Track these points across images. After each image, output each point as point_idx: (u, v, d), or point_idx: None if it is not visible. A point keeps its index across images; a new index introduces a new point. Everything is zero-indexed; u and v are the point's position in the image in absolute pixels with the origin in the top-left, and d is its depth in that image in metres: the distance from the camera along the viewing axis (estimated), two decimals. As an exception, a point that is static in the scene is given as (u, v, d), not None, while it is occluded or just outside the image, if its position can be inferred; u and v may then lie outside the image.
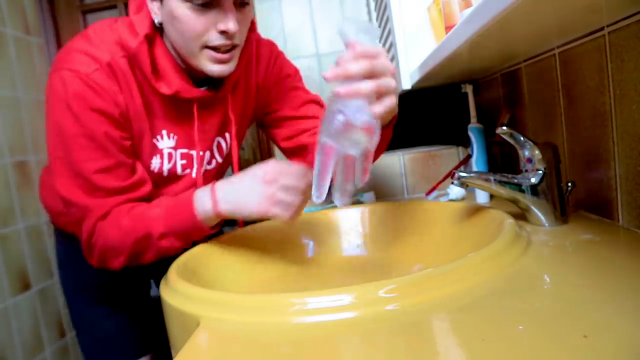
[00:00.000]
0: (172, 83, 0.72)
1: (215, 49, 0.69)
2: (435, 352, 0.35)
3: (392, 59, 0.99)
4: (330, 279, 0.77)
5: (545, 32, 0.58)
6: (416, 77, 0.85)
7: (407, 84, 0.91)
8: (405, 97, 1.15)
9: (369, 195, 1.06)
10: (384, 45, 1.11)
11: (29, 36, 1.58)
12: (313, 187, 0.57)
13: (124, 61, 0.70)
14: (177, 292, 0.54)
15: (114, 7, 1.69)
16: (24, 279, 1.43)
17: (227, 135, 0.85)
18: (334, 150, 0.56)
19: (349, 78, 0.53)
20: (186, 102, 0.76)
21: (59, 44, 1.67)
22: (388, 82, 0.54)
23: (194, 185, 0.81)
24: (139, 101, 0.72)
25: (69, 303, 0.94)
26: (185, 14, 0.66)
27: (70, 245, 0.88)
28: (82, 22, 1.68)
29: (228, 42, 0.69)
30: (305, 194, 0.68)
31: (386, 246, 0.82)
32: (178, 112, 0.76)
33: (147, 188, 0.75)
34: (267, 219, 0.75)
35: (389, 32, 0.97)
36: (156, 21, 0.71)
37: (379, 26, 1.16)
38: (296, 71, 0.90)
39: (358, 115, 0.53)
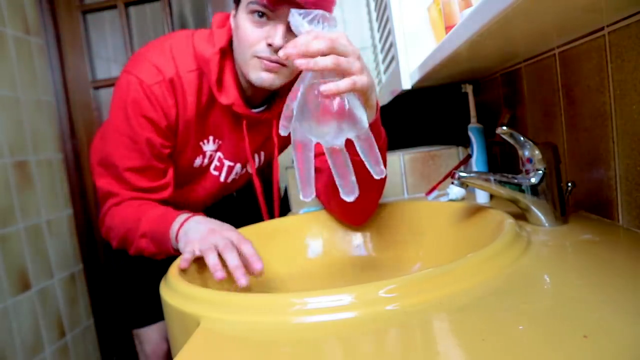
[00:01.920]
0: (230, 95, 0.81)
1: (262, 58, 0.75)
2: (435, 352, 0.35)
3: (392, 59, 0.99)
4: (330, 279, 0.77)
5: (545, 32, 0.58)
6: (416, 77, 0.85)
7: (407, 84, 0.91)
8: (405, 97, 1.15)
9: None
10: (383, 45, 1.11)
11: (29, 36, 1.58)
12: (298, 185, 0.56)
13: (191, 75, 0.80)
14: (177, 292, 0.54)
15: (114, 7, 1.69)
16: (24, 279, 1.43)
17: (262, 153, 0.96)
18: (304, 143, 0.55)
19: (308, 55, 0.51)
20: (237, 117, 0.85)
21: (59, 44, 1.67)
22: (350, 61, 0.53)
23: (222, 186, 0.95)
24: (192, 113, 0.82)
25: (117, 262, 1.07)
26: (246, 25, 0.75)
27: None
28: (82, 22, 1.69)
29: (273, 56, 0.74)
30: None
31: (386, 246, 0.82)
32: (229, 124, 0.87)
33: (167, 193, 0.85)
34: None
35: (389, 32, 0.97)
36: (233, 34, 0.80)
37: (379, 26, 1.16)
38: None
39: (315, 101, 0.52)
